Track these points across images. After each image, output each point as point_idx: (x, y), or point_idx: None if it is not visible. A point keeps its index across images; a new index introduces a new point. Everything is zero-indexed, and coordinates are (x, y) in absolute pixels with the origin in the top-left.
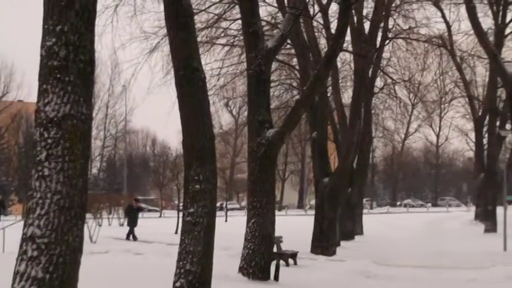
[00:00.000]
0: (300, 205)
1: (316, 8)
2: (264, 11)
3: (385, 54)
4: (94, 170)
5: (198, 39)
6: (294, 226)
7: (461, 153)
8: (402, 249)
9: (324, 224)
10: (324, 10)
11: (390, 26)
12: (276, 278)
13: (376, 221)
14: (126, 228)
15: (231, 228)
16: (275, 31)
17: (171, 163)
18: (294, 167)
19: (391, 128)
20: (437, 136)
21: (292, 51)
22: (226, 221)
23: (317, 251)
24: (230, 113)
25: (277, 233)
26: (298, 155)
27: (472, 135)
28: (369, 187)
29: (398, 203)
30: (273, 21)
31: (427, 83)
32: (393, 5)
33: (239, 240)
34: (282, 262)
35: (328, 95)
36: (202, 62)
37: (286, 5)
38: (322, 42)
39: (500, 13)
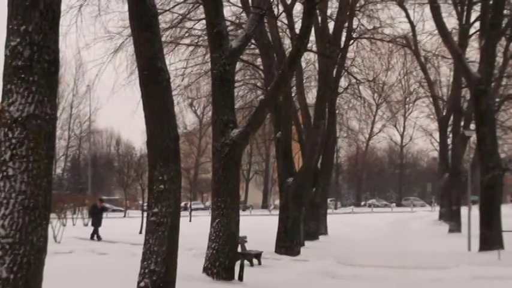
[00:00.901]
0: (264, 205)
1: (281, 8)
2: (228, 11)
3: (350, 54)
4: (58, 170)
5: (163, 39)
6: (259, 226)
7: (426, 153)
8: (366, 249)
9: (288, 224)
10: (288, 10)
11: (355, 26)
12: (241, 278)
13: (340, 221)
14: (91, 228)
15: (195, 228)
16: (239, 31)
17: (135, 163)
18: (259, 167)
19: (356, 128)
20: (402, 136)
21: (257, 51)
22: (190, 221)
23: (281, 251)
24: (194, 113)
25: (241, 233)
26: (262, 155)
27: (437, 135)
28: (333, 187)
29: (362, 203)
30: (237, 21)
31: (392, 83)
32: (358, 5)
33: (203, 240)
34: (246, 262)
35: (293, 95)
36: (167, 62)
37: (250, 5)
38: (287, 42)
39: (465, 13)
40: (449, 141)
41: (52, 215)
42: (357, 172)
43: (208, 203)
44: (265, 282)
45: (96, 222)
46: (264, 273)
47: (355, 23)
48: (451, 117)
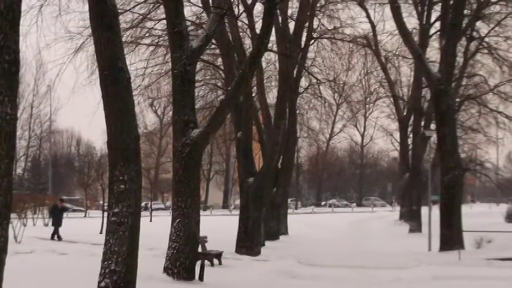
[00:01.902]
0: (225, 205)
1: (241, 8)
2: (188, 11)
3: (310, 54)
4: (19, 170)
5: (123, 39)
6: (219, 226)
7: (386, 153)
8: (327, 249)
9: (248, 224)
10: (249, 10)
11: (315, 26)
12: (201, 278)
13: (301, 221)
14: (51, 228)
15: (155, 228)
16: (200, 31)
17: (95, 163)
18: (219, 167)
19: (316, 128)
20: (362, 136)
21: (217, 51)
22: (151, 221)
23: (242, 251)
24: (155, 113)
25: (202, 233)
26: (223, 155)
27: (397, 135)
28: (294, 187)
29: (323, 203)
30: (198, 21)
31: (352, 83)
32: (318, 5)
33: (164, 240)
34: (207, 262)
35: (253, 95)
36: (127, 62)
37: (211, 5)
38: (247, 42)
39: (425, 13)
40: (409, 141)
41: (12, 215)
42: (317, 172)
43: (168, 203)
44: (226, 282)
45: (57, 222)
46: (224, 273)
47: (315, 23)
48: (412, 117)
